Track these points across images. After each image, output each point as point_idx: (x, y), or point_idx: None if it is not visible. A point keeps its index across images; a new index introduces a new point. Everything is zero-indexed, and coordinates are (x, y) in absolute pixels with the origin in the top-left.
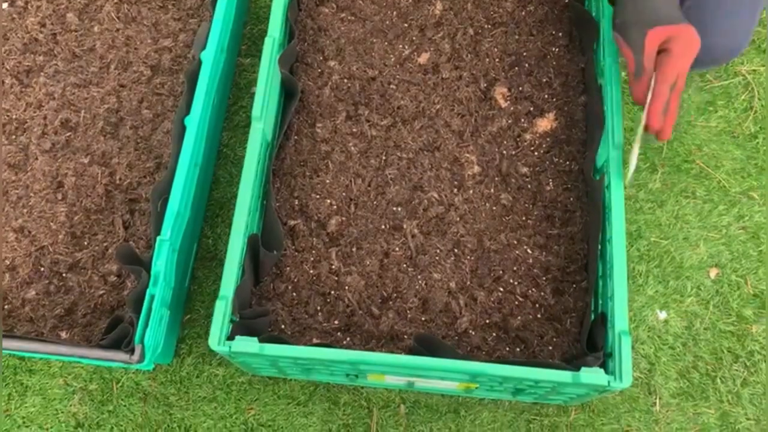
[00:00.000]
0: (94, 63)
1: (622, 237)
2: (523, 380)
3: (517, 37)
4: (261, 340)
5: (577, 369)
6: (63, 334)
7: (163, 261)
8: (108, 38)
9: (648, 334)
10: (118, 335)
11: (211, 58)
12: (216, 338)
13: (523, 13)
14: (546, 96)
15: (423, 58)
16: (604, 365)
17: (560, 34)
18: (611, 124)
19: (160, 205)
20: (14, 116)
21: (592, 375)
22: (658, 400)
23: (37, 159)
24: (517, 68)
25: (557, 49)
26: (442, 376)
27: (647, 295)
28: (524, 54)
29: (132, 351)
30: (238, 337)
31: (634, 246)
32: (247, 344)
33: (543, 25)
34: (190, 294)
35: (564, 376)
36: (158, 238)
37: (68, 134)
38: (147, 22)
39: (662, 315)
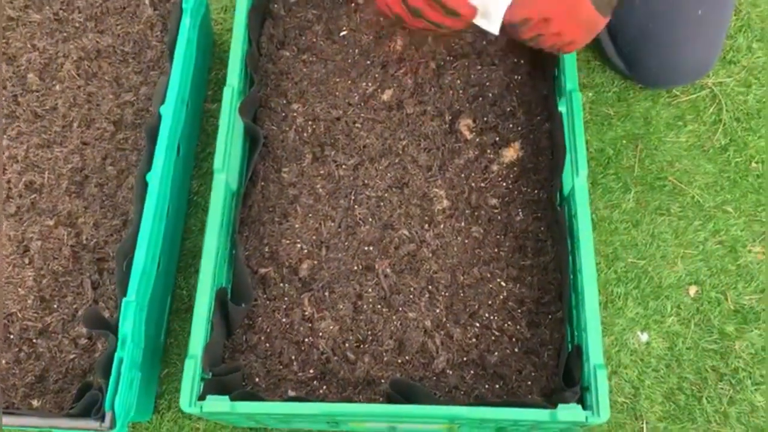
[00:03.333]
0: (56, 122)
1: (592, 268)
2: (502, 421)
3: (479, 67)
4: (233, 397)
5: (555, 405)
6: (35, 403)
7: (130, 323)
8: (70, 96)
9: (631, 358)
10: (88, 402)
11: (170, 111)
12: (187, 399)
13: (484, 42)
14: (511, 125)
15: (387, 95)
16: (581, 399)
17: (522, 61)
18: (573, 153)
19: (125, 265)
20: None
21: (569, 412)
22: (645, 425)
23: (2, 224)
24: (481, 99)
25: (520, 77)
26: (420, 421)
27: (627, 317)
28: (487, 84)
29: (102, 418)
30: (209, 397)
31: (611, 268)
32: (218, 403)
33: (505, 54)
34: (167, 348)
35: (541, 414)
36: (124, 300)
37: (33, 196)
38: (108, 78)
39: (644, 337)
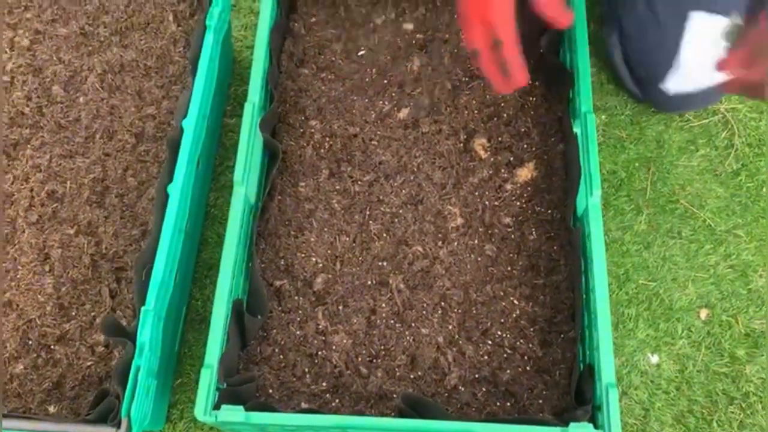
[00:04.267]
0: (79, 133)
1: (604, 287)
2: None
3: None
4: (247, 408)
5: (566, 424)
6: (51, 409)
7: (148, 331)
8: (93, 108)
9: (641, 380)
10: (105, 408)
11: (192, 125)
12: (202, 408)
13: None
14: (525, 146)
15: (403, 114)
16: (593, 419)
17: (537, 83)
18: (587, 173)
19: (144, 275)
20: (1, 190)
21: (581, 431)
22: None
23: (24, 232)
24: (495, 119)
25: (534, 99)
26: None
27: (638, 339)
28: (502, 105)
29: (118, 425)
30: (223, 407)
31: (622, 290)
32: (233, 413)
33: None
34: (181, 358)
35: None
36: (142, 308)
37: (55, 205)
38: (131, 91)
39: (654, 359)
